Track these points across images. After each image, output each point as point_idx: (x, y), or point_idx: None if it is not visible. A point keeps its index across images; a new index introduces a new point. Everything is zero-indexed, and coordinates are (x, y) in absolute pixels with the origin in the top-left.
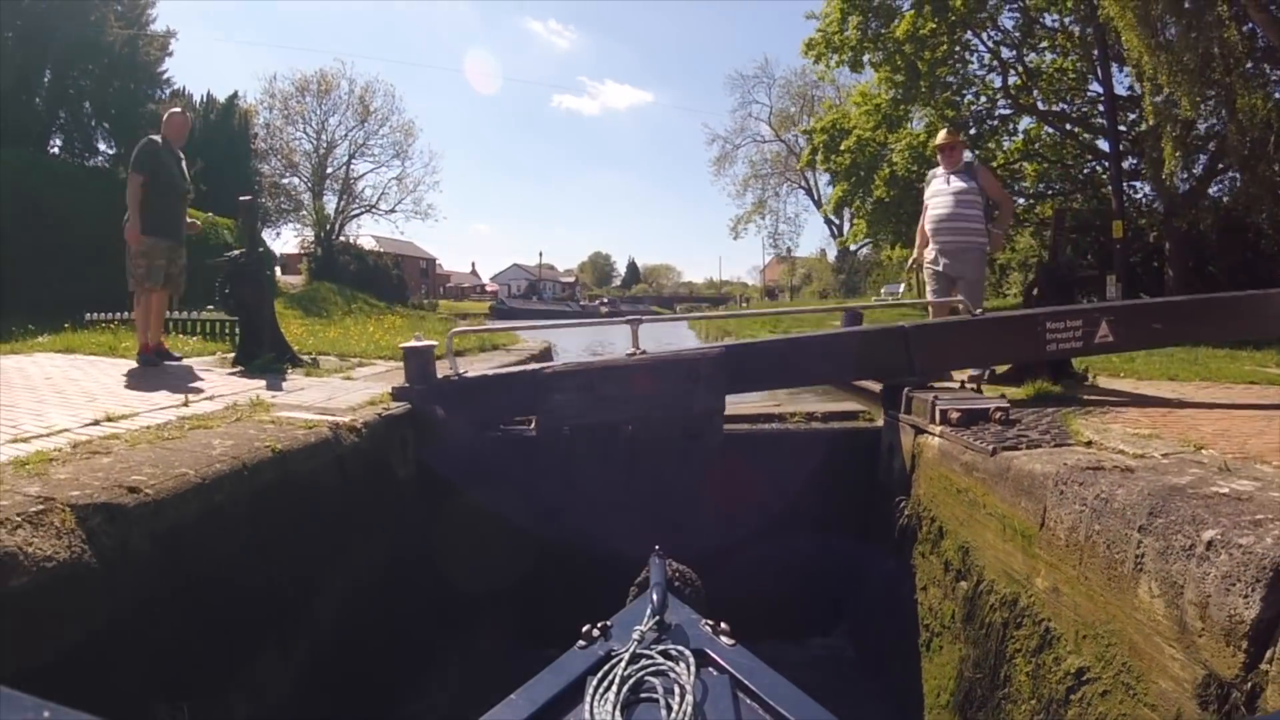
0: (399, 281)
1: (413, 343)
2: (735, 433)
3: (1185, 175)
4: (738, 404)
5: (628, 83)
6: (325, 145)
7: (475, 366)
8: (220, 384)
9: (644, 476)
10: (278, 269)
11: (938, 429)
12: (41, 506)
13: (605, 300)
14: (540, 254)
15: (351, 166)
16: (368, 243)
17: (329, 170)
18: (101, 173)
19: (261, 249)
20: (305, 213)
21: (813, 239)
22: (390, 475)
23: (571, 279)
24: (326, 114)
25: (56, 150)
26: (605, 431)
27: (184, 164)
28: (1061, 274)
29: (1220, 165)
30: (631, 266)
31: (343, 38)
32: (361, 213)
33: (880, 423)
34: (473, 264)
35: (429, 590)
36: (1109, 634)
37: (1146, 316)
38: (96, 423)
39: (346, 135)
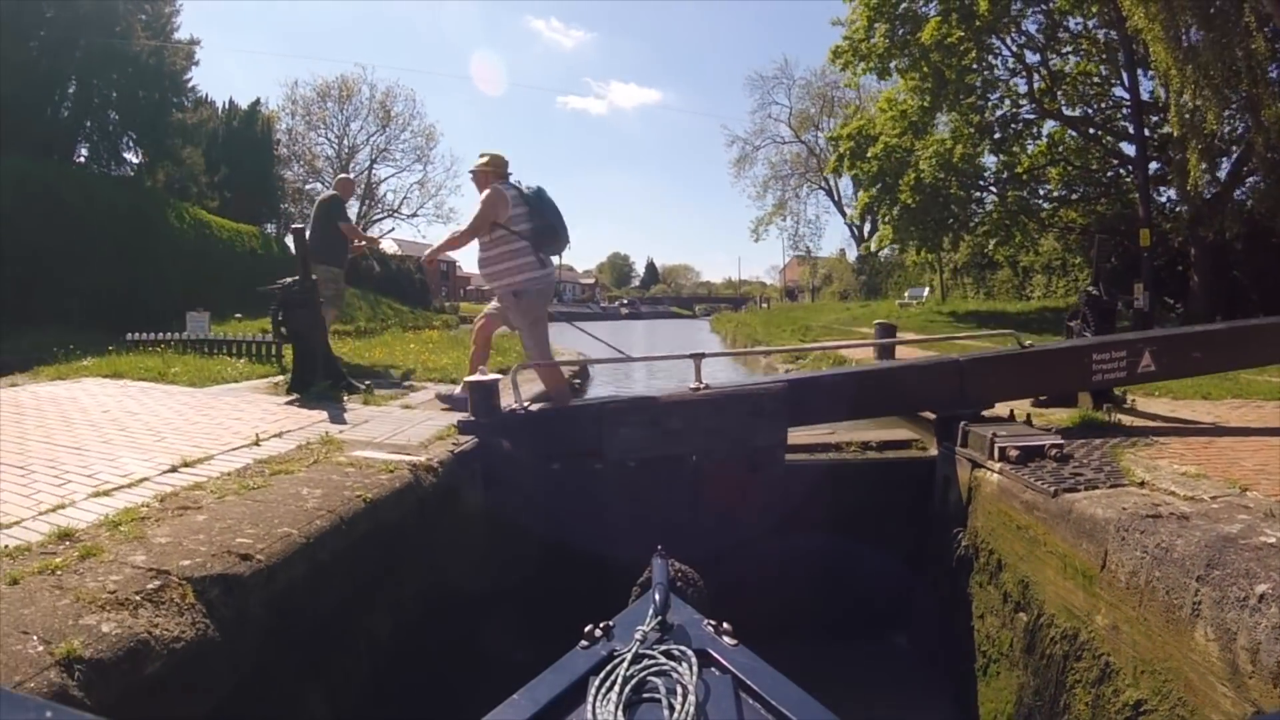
0: (421, 285)
1: (477, 376)
2: (795, 463)
3: (1209, 179)
4: (794, 432)
5: (633, 82)
6: (347, 150)
7: (524, 387)
8: (282, 415)
9: (708, 507)
10: None
11: (996, 465)
12: (158, 582)
13: (625, 301)
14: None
15: (373, 171)
16: (389, 246)
17: (351, 176)
18: (128, 182)
19: (316, 276)
20: None
21: (833, 239)
22: (461, 508)
23: (591, 280)
24: (348, 119)
25: (83, 159)
26: (670, 464)
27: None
28: (1105, 304)
29: (1245, 169)
30: (650, 267)
31: (346, 43)
32: (383, 217)
33: (933, 451)
34: None
35: (486, 611)
36: (1166, 670)
37: (1187, 346)
38: (174, 469)
39: (368, 140)
